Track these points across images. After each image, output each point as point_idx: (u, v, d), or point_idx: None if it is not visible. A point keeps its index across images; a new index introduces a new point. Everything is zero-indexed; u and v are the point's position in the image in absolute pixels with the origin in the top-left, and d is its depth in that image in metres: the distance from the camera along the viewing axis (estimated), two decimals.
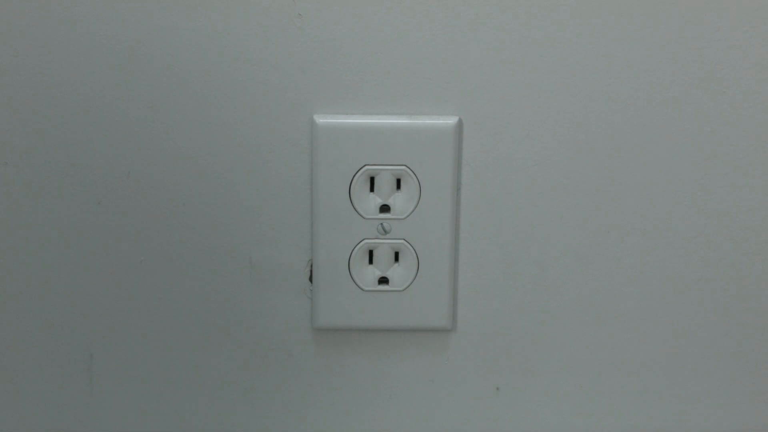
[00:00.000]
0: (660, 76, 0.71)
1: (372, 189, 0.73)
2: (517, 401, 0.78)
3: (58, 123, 0.72)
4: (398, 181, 0.72)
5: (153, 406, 0.78)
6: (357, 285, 0.74)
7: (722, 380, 0.78)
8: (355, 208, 0.73)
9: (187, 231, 0.74)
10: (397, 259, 0.74)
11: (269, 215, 0.74)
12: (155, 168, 0.73)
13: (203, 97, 0.71)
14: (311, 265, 0.74)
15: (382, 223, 0.73)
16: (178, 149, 0.72)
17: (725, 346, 0.77)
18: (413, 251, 0.73)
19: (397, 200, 0.73)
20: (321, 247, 0.73)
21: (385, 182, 0.72)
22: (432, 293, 0.75)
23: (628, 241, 0.74)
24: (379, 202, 0.73)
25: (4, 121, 0.71)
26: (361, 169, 0.72)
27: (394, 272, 0.74)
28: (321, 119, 0.71)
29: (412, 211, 0.73)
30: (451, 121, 0.71)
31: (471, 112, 0.72)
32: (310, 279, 0.75)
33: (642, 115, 0.72)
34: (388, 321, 0.75)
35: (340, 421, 0.78)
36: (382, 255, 0.74)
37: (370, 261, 0.74)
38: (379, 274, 0.74)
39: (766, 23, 0.70)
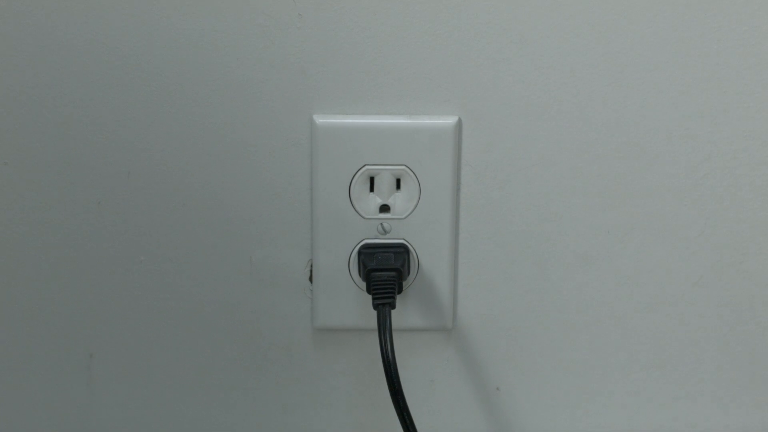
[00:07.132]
0: (660, 75, 0.71)
1: (372, 189, 0.73)
2: (517, 401, 0.78)
3: (58, 123, 0.71)
4: (398, 181, 0.72)
5: (153, 406, 0.78)
6: (357, 285, 0.74)
7: (722, 380, 0.77)
8: (355, 208, 0.73)
9: (187, 231, 0.74)
10: None
11: (269, 215, 0.74)
12: (155, 168, 0.73)
13: (203, 97, 0.71)
14: (311, 265, 0.74)
15: (382, 223, 0.73)
16: (178, 149, 0.72)
17: (725, 346, 0.77)
18: (413, 251, 0.73)
19: (397, 200, 0.73)
20: (321, 247, 0.73)
21: (384, 182, 0.72)
22: (432, 293, 0.75)
23: (628, 241, 0.74)
24: (379, 202, 0.73)
25: (4, 121, 0.71)
26: (360, 169, 0.72)
27: None
28: (321, 119, 0.71)
29: (412, 211, 0.73)
30: (450, 121, 0.71)
31: (471, 112, 0.72)
32: (310, 279, 0.75)
33: (642, 115, 0.72)
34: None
35: (339, 420, 0.78)
36: None
37: None
38: None
39: (766, 23, 0.70)
